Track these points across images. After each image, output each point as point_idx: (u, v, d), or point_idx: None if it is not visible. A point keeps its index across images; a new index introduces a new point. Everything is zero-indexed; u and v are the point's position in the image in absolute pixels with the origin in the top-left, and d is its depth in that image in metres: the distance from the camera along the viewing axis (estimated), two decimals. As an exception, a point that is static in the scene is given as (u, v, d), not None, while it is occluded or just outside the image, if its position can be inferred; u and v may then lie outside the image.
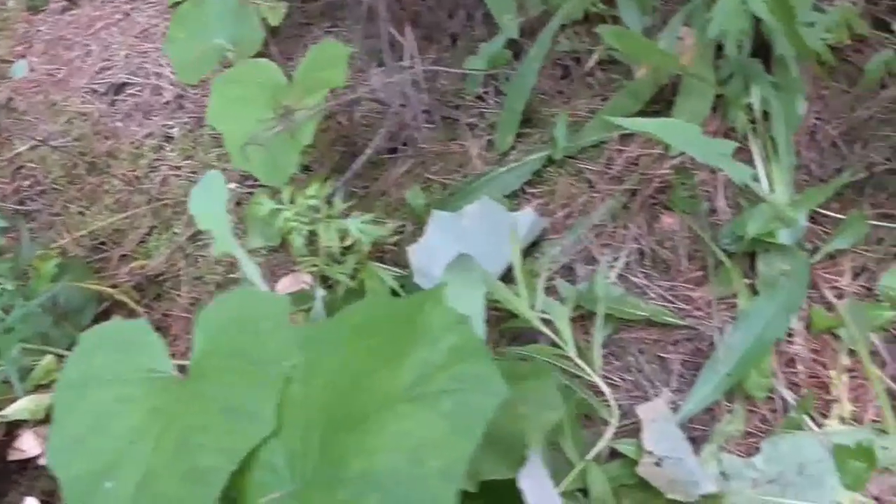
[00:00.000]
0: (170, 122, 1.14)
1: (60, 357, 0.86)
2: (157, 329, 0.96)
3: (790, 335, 0.80)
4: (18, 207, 1.11)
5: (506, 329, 0.85)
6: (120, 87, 1.20)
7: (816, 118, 0.91)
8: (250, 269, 0.75)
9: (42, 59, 1.27)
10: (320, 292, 0.84)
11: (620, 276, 0.86)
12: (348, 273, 0.86)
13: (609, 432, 0.73)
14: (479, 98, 1.00)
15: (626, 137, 0.92)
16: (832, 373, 0.78)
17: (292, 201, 0.82)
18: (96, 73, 1.22)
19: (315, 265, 0.87)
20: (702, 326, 0.81)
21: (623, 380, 0.81)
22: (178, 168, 1.10)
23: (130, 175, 1.10)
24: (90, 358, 0.70)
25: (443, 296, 0.54)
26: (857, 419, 0.76)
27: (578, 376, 0.78)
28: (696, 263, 0.85)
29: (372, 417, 0.52)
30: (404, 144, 1.01)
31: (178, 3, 1.14)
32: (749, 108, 0.89)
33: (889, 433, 0.70)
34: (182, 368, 0.70)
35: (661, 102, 0.92)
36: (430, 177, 0.97)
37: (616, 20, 0.95)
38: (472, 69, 0.98)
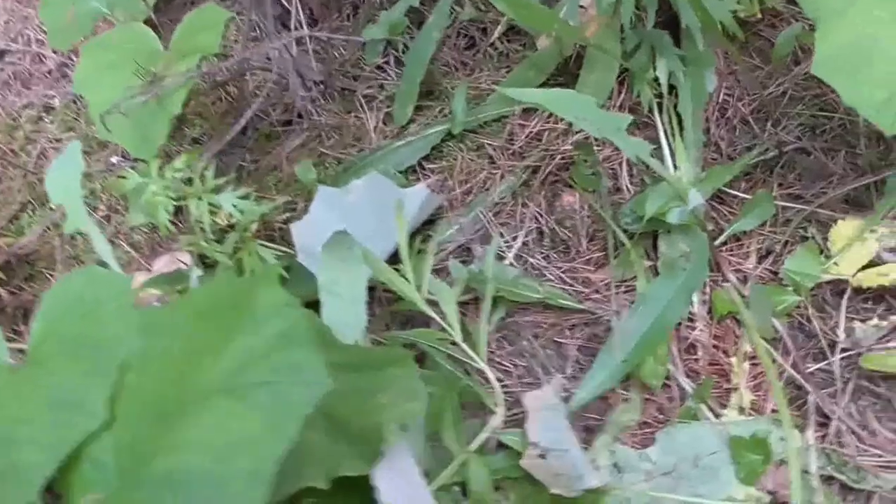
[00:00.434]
0: (51, 93, 1.05)
1: None
2: (26, 312, 0.90)
3: (691, 320, 0.76)
4: None
5: (397, 312, 0.80)
6: (-2, 55, 1.12)
7: (727, 94, 0.88)
8: (101, 247, 0.69)
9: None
10: (196, 273, 0.78)
11: (518, 257, 0.81)
12: (228, 252, 0.80)
13: (494, 422, 0.68)
14: (379, 69, 0.94)
15: (529, 112, 0.87)
16: (733, 360, 0.74)
17: (161, 175, 0.75)
18: (-27, 40, 1.13)
19: (193, 244, 0.81)
20: (600, 310, 0.77)
21: (515, 366, 0.76)
22: (58, 141, 1.02)
23: (6, 148, 1.02)
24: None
25: (275, 276, 0.48)
26: (757, 409, 0.72)
27: (466, 362, 0.72)
28: (596, 244, 0.81)
29: (189, 410, 0.46)
30: (299, 117, 0.95)
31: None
32: (656, 82, 0.85)
33: (785, 424, 0.66)
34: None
35: (567, 75, 0.87)
36: (325, 151, 0.91)
37: (521, -13, 0.90)
38: (371, 37, 0.91)
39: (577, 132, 0.85)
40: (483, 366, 0.70)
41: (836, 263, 0.75)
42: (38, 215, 0.96)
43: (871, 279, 0.74)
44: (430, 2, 0.93)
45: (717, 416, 0.71)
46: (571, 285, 0.78)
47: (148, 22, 0.95)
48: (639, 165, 0.83)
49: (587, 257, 0.80)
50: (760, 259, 0.79)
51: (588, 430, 0.74)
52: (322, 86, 0.94)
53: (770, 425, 0.69)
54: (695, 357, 0.75)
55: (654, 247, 0.79)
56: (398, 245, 0.75)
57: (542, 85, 0.86)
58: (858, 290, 0.75)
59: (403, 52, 0.93)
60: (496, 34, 0.92)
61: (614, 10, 0.80)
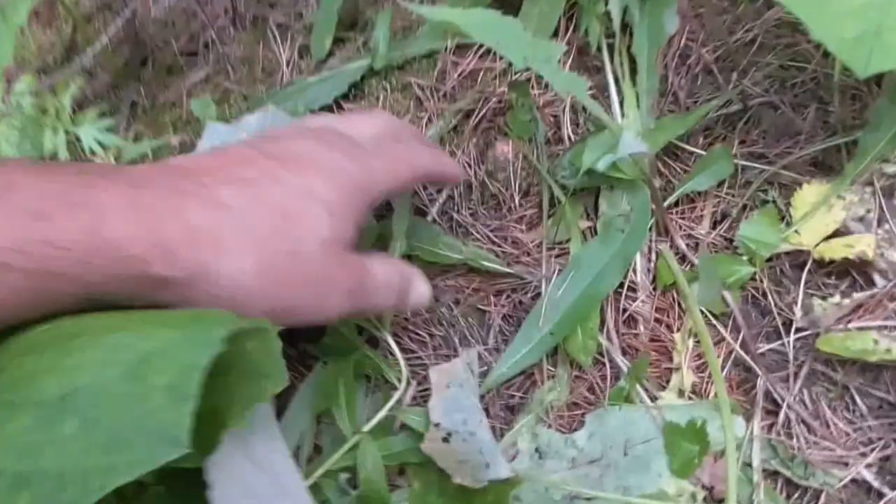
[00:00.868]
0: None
1: None
2: None
3: (633, 289, 0.70)
4: None
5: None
6: None
7: (689, 39, 0.81)
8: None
9: None
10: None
11: (442, 213, 0.74)
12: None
13: (394, 399, 0.62)
14: (298, -7, 0.86)
15: (464, 48, 0.79)
16: (677, 336, 0.68)
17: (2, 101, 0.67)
18: None
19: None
20: (530, 275, 0.70)
21: (431, 335, 0.70)
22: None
23: None
24: None
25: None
26: (699, 392, 0.66)
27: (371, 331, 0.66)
28: (531, 200, 0.74)
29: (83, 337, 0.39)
30: (205, 47, 0.86)
31: None
32: (607, 17, 0.77)
33: (723, 411, 0.60)
34: None
35: (508, 6, 0.80)
36: (231, 86, 0.83)
37: None
38: (289, -44, 0.83)
39: (516, 73, 0.77)
40: (386, 334, 0.64)
41: (797, 232, 0.69)
42: None
43: (834, 250, 0.68)
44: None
45: (653, 398, 0.65)
46: (500, 246, 0.71)
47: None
48: (585, 114, 0.76)
49: (519, 215, 0.73)
50: (714, 224, 0.73)
51: (509, 410, 0.68)
52: (234, 12, 0.85)
53: (711, 411, 0.63)
54: (634, 331, 0.69)
55: (595, 205, 0.72)
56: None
57: (480, 17, 0.78)
58: (821, 263, 0.69)
59: (326, -25, 0.84)
60: (434, -42, 0.84)
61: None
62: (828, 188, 0.70)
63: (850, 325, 0.67)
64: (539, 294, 0.69)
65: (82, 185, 0.39)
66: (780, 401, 0.66)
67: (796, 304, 0.69)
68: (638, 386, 0.66)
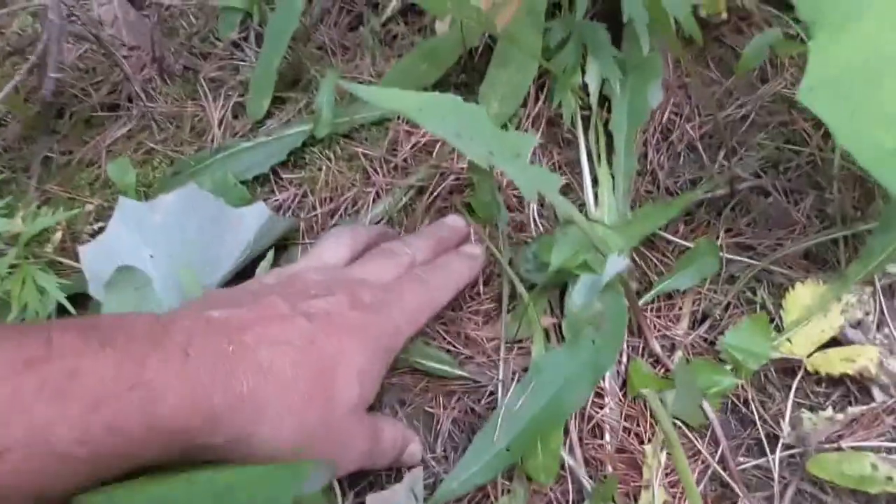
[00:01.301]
0: None
1: None
2: None
3: (599, 395, 0.74)
4: None
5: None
6: None
7: (674, 113, 0.87)
8: None
9: None
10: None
11: (388, 303, 0.79)
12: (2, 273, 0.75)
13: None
14: (235, 45, 0.92)
15: (420, 115, 0.85)
16: (647, 448, 0.72)
17: None
18: None
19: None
20: (483, 378, 0.74)
21: (371, 445, 0.73)
22: None
23: None
24: None
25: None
26: (670, 515, 0.70)
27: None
28: (489, 293, 0.79)
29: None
30: (129, 100, 0.91)
31: None
32: (584, 90, 0.84)
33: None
34: None
35: (472, 72, 0.86)
36: (155, 146, 0.88)
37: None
38: (226, 4, 0.89)
39: (478, 146, 0.83)
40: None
41: (788, 340, 0.74)
42: None
43: (832, 364, 0.73)
44: (307, -36, 0.91)
45: (620, 523, 0.69)
46: (452, 343, 0.76)
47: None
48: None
49: (475, 308, 0.78)
50: (694, 324, 0.78)
51: (458, 529, 0.72)
52: (162, 63, 0.90)
53: (683, 541, 0.67)
54: (600, 442, 0.73)
55: (562, 300, 0.77)
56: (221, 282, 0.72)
57: (439, 84, 0.85)
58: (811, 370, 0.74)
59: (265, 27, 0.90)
60: (388, 11, 0.90)
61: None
62: (825, 290, 0.76)
63: (842, 443, 0.72)
64: (494, 397, 0.74)
65: (136, 362, 0.47)
66: (763, 528, 0.70)
67: (783, 416, 0.73)
68: (603, 507, 0.69)
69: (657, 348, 0.76)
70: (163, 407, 0.47)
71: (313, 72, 0.89)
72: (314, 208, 0.83)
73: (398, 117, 0.85)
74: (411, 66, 0.85)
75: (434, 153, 0.83)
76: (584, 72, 0.84)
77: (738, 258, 0.80)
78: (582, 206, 0.80)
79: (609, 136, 0.83)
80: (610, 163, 0.82)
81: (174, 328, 0.51)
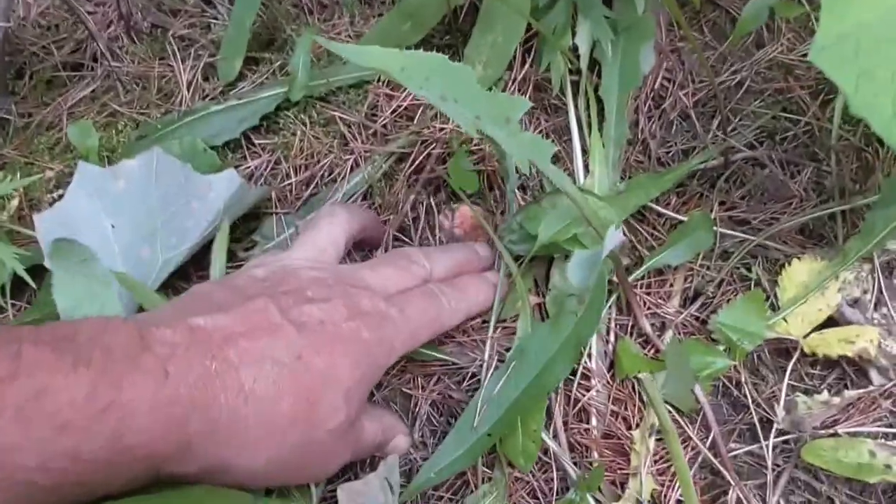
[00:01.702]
0: None
1: None
2: None
3: (587, 377, 0.68)
4: None
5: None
6: None
7: (666, 79, 0.80)
8: None
9: None
10: None
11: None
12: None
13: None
14: (207, 2, 0.83)
15: (400, 79, 0.77)
16: (635, 434, 0.66)
17: None
18: None
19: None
20: (464, 359, 0.68)
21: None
22: None
23: None
24: None
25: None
26: (658, 502, 0.64)
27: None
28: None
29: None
30: (94, 60, 0.83)
31: None
32: (574, 52, 0.76)
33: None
34: None
35: (457, 34, 0.78)
36: (119, 109, 0.80)
37: None
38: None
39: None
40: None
41: (784, 319, 0.68)
42: None
43: (830, 345, 0.67)
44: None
45: (606, 512, 0.63)
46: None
47: None
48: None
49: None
50: (685, 302, 0.72)
51: (436, 517, 0.66)
52: (129, 21, 0.82)
53: (673, 532, 0.61)
54: (586, 426, 0.67)
55: (548, 276, 0.70)
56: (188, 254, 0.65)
57: (421, 46, 0.77)
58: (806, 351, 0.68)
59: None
60: (367, -30, 0.82)
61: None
62: (822, 266, 0.69)
63: (838, 428, 0.66)
64: (475, 379, 0.67)
65: (111, 383, 0.42)
66: (754, 516, 0.64)
67: (777, 400, 0.68)
68: (588, 496, 0.63)
69: (647, 327, 0.70)
70: (133, 433, 0.43)
71: (289, 31, 0.82)
72: (288, 176, 0.76)
73: (377, 80, 0.77)
74: (392, 27, 0.77)
75: (415, 118, 0.76)
76: (573, 33, 0.76)
77: (733, 233, 0.73)
78: (570, 177, 0.73)
79: (599, 102, 0.76)
80: (601, 130, 0.74)
81: (155, 340, 0.46)
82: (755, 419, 0.67)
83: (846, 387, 0.68)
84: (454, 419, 0.67)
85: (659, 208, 0.74)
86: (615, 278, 0.69)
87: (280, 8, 0.82)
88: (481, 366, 0.67)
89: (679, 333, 0.70)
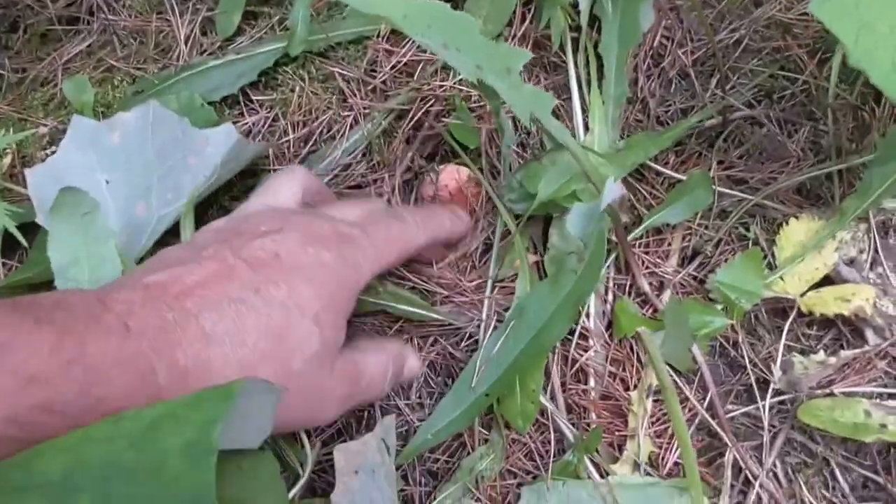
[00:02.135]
0: None
1: None
2: None
3: (584, 336, 0.62)
4: None
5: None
6: None
7: (665, 37, 0.74)
8: None
9: None
10: None
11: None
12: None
13: (296, 488, 0.53)
14: (205, -45, 0.76)
15: (399, 35, 0.70)
16: (633, 395, 0.61)
17: None
18: None
19: None
20: (462, 320, 0.62)
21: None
22: None
23: None
24: None
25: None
26: (657, 465, 0.59)
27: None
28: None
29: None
30: (90, 13, 0.76)
31: None
32: (574, 9, 0.69)
33: (690, 491, 0.54)
34: None
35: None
36: (116, 64, 0.73)
37: None
38: None
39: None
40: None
41: (781, 278, 0.63)
42: None
43: (826, 304, 0.62)
44: None
45: (604, 473, 0.58)
46: (426, 282, 0.63)
47: None
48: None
49: (455, 243, 0.65)
50: (683, 261, 0.66)
51: (432, 476, 0.61)
52: (126, -28, 0.75)
53: (671, 492, 0.56)
54: (584, 387, 0.61)
55: (546, 235, 0.64)
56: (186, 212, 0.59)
57: (420, 0, 0.69)
58: (803, 311, 0.63)
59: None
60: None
61: None
62: (819, 225, 0.64)
63: (834, 388, 0.61)
64: (473, 339, 0.62)
65: (75, 340, 0.39)
66: (750, 477, 0.59)
67: (773, 360, 0.62)
68: (586, 458, 0.58)
69: (645, 286, 0.64)
70: (104, 387, 0.39)
71: (289, -15, 0.74)
72: (286, 133, 0.69)
73: (377, 35, 0.70)
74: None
75: (415, 75, 0.69)
76: (574, -11, 0.69)
77: (731, 192, 0.67)
78: (571, 134, 0.67)
79: (599, 59, 0.69)
80: (600, 88, 0.68)
81: (112, 301, 0.42)
82: (752, 380, 0.62)
83: (842, 347, 0.63)
84: (451, 380, 0.62)
85: (658, 167, 0.68)
86: (614, 237, 0.63)
87: (277, -39, 0.75)
88: (479, 326, 0.61)
89: (677, 293, 0.64)
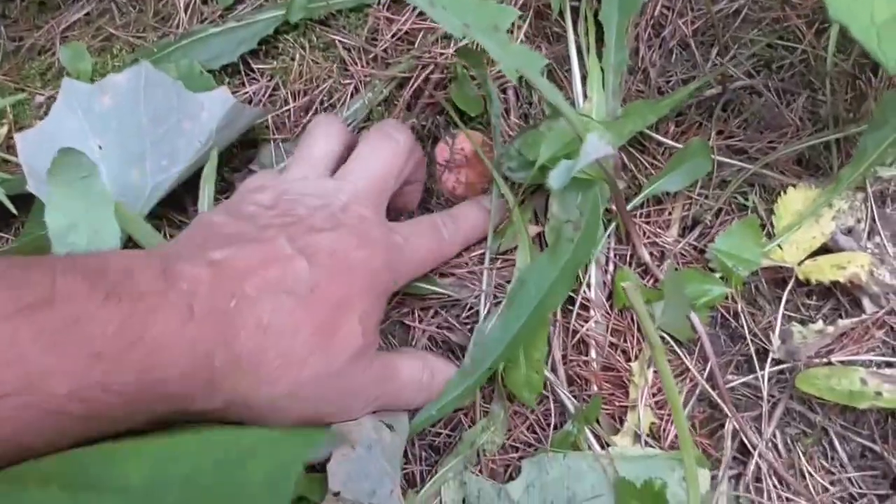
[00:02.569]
0: None
1: None
2: None
3: (585, 307, 0.57)
4: None
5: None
6: None
7: (665, 6, 0.67)
8: None
9: None
10: None
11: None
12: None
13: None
14: (204, -79, 0.69)
15: (400, 3, 0.64)
16: (634, 365, 0.56)
17: None
18: None
19: None
20: (463, 292, 0.57)
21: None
22: None
23: None
24: None
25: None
26: (657, 435, 0.55)
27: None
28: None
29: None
30: (89, -19, 0.70)
31: None
32: (575, -25, 0.63)
33: (688, 471, 0.49)
34: None
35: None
36: (115, 32, 0.66)
37: None
38: None
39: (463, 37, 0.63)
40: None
41: (779, 246, 0.58)
42: None
43: (822, 271, 0.57)
44: None
45: (604, 444, 0.53)
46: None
47: None
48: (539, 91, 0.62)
49: (455, 214, 0.59)
50: (684, 231, 0.61)
51: (433, 450, 0.56)
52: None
53: (671, 463, 0.52)
54: (584, 358, 0.56)
55: (547, 206, 0.59)
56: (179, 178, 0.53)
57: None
58: (801, 281, 0.58)
59: None
60: None
61: None
62: (817, 194, 0.59)
63: (833, 357, 0.57)
64: (473, 311, 0.56)
65: (140, 318, 0.37)
66: (749, 447, 0.55)
67: (773, 329, 0.58)
68: (586, 429, 0.53)
69: (646, 256, 0.59)
70: (163, 370, 0.38)
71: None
72: (286, 102, 0.63)
73: (378, 3, 0.64)
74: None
75: (416, 43, 0.63)
76: (574, -44, 0.63)
77: (730, 161, 0.62)
78: (571, 104, 0.61)
79: (599, 27, 0.63)
80: (600, 56, 0.62)
81: (179, 277, 0.40)
82: (752, 350, 0.57)
83: (840, 316, 0.58)
84: (452, 353, 0.57)
85: (658, 136, 0.62)
86: (614, 207, 0.58)
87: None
88: (479, 298, 0.56)
89: (678, 263, 0.59)
